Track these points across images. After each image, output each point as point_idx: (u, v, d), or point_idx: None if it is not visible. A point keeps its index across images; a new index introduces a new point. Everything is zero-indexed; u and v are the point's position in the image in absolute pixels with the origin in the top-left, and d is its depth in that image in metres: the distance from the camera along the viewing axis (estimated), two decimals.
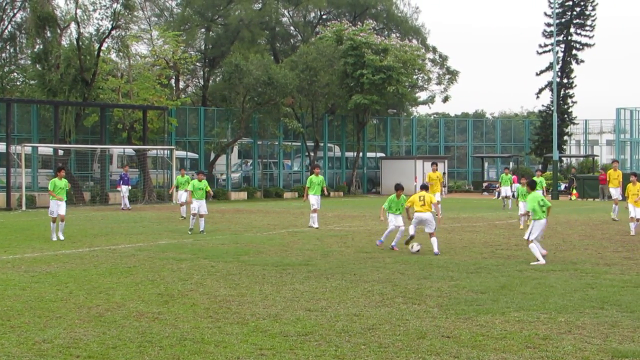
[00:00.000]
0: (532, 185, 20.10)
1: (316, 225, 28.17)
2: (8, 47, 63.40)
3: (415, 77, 65.47)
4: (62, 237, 23.58)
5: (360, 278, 15.95)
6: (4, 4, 60.22)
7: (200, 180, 27.27)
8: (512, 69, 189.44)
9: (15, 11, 60.82)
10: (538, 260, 18.24)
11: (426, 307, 12.79)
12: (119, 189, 42.47)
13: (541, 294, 13.93)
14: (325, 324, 11.57)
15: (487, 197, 57.36)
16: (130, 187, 43.22)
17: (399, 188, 21.73)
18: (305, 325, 11.43)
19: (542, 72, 72.78)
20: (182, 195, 34.29)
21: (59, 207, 23.87)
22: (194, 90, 75.38)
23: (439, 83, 74.18)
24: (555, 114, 57.59)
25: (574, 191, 54.75)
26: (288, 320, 11.82)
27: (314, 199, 28.64)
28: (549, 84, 68.95)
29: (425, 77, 69.99)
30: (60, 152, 46.06)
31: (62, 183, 24.31)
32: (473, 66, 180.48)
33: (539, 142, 70.97)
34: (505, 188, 41.94)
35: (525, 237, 18.86)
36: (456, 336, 10.78)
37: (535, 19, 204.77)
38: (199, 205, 26.72)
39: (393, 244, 20.97)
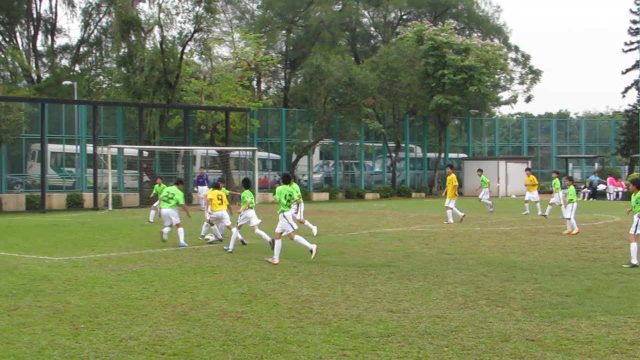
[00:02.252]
0: (285, 180, 20.30)
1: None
2: (94, 51, 64.91)
3: (497, 76, 64.96)
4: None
5: (443, 280, 15.85)
6: (90, 9, 61.59)
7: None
8: (597, 67, 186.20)
9: (100, 16, 62.21)
10: (308, 246, 19.08)
11: (510, 310, 12.64)
12: (195, 189, 42.82)
13: (629, 298, 13.66)
14: (407, 325, 11.52)
15: None
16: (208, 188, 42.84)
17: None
18: (388, 327, 11.41)
19: (627, 70, 71.32)
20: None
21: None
22: (275, 92, 75.88)
23: (521, 83, 73.47)
24: None
25: None
26: (370, 321, 11.80)
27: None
28: (635, 82, 67.62)
29: (508, 77, 69.43)
30: (145, 154, 46.80)
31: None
32: (556, 65, 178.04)
33: (625, 142, 69.45)
34: (485, 189, 39.85)
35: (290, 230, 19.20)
36: (540, 340, 10.63)
37: (621, 14, 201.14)
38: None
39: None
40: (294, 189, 23.92)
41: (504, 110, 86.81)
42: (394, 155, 60.60)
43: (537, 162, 70.90)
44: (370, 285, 15.09)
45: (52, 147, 47.21)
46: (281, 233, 19.04)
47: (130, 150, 48.68)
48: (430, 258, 19.34)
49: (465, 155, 67.98)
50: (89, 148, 45.83)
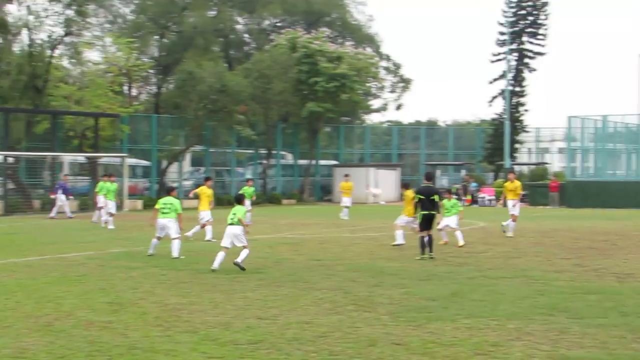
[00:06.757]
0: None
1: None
2: None
3: (368, 84, 65.77)
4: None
5: (312, 286, 15.94)
6: None
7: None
8: (466, 77, 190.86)
9: None
10: None
11: (377, 315, 12.82)
12: (52, 196, 40.58)
13: (491, 301, 14.03)
14: (276, 332, 11.55)
15: None
16: (70, 197, 40.88)
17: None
18: (256, 334, 11.41)
19: (495, 80, 72.83)
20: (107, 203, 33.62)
21: None
22: (147, 98, 74.89)
23: (392, 91, 74.66)
24: (507, 122, 58.02)
25: None
26: (239, 328, 11.78)
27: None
28: (501, 92, 69.34)
29: (379, 85, 70.38)
30: (10, 160, 45.50)
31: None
32: (426, 74, 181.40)
33: (491, 149, 71.08)
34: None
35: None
36: (406, 343, 10.82)
37: (490, 28, 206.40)
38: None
39: None
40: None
41: (375, 118, 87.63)
42: (265, 162, 60.68)
43: (406, 169, 71.99)
44: (239, 293, 15.06)
45: None
46: None
47: None
48: (300, 264, 19.45)
49: (336, 162, 68.54)
50: None
